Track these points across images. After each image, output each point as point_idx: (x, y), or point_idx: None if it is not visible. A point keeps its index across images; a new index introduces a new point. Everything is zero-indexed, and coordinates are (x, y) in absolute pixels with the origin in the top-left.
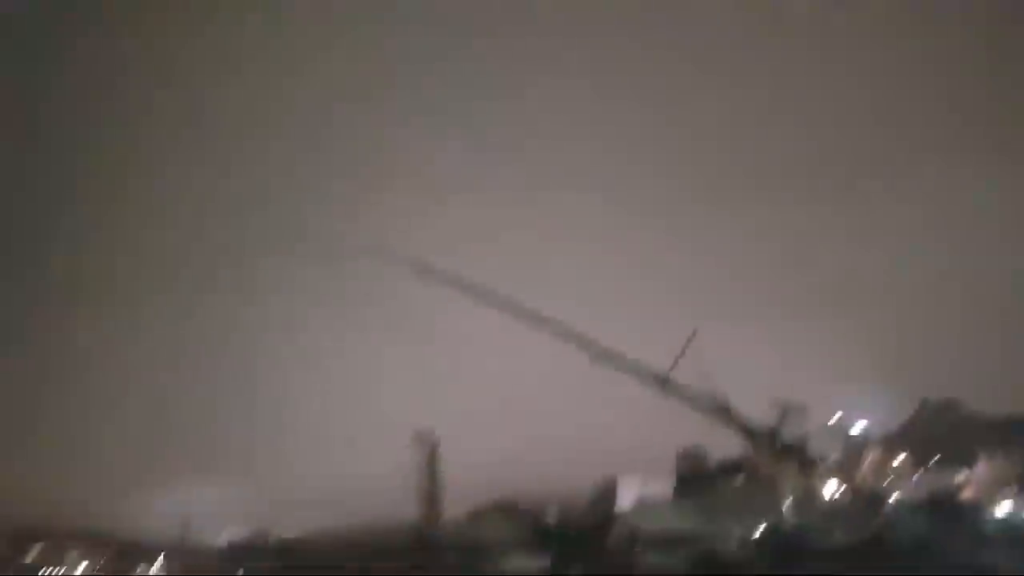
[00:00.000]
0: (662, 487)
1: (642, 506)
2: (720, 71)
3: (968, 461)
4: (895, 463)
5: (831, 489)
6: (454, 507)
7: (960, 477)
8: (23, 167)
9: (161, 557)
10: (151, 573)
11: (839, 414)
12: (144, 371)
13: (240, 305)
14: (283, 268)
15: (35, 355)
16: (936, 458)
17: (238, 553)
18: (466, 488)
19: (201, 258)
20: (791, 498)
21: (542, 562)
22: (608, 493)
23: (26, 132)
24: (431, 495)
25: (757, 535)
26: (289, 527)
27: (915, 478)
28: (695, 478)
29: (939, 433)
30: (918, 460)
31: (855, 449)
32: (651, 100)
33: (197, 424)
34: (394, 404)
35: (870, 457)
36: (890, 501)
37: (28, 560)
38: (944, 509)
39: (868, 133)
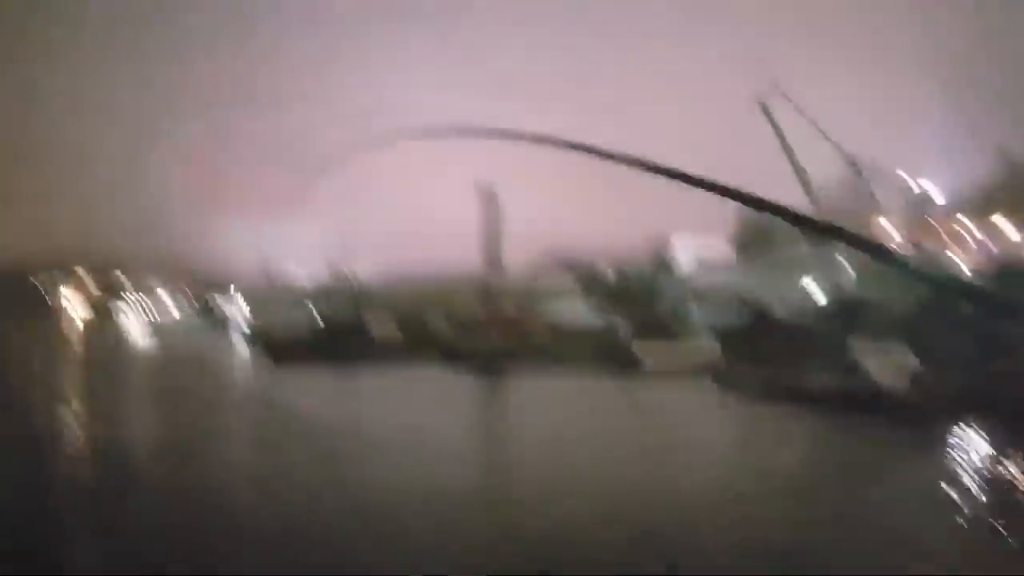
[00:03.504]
0: (720, 246)
1: (697, 263)
2: None
3: None
4: (963, 225)
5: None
6: (515, 258)
7: None
8: None
9: (232, 288)
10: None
11: (912, 178)
12: (217, 107)
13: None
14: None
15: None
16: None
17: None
18: (526, 242)
19: None
20: (850, 262)
21: (595, 309)
22: (664, 249)
23: None
24: (492, 244)
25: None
26: (360, 269)
27: (985, 243)
28: (755, 237)
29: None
30: (987, 224)
31: (924, 210)
32: None
33: (272, 163)
34: (459, 157)
35: (939, 219)
36: (956, 265)
37: (108, 284)
38: (1012, 275)
39: None
